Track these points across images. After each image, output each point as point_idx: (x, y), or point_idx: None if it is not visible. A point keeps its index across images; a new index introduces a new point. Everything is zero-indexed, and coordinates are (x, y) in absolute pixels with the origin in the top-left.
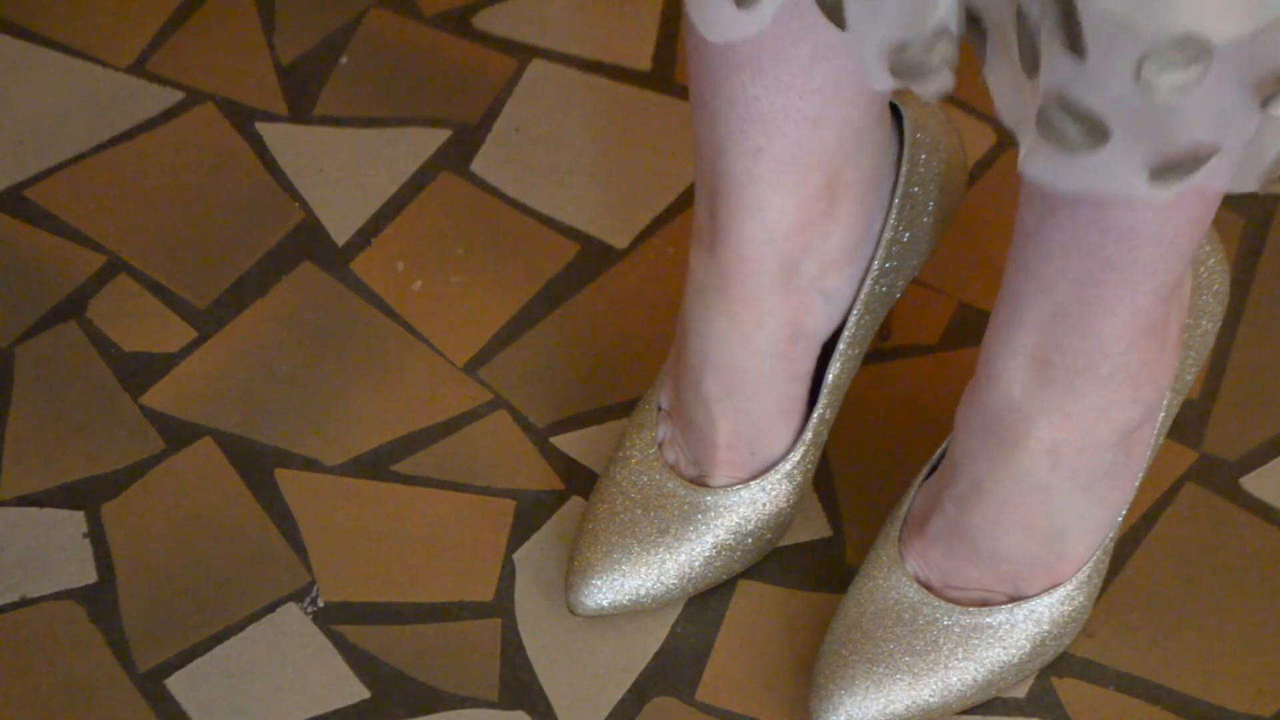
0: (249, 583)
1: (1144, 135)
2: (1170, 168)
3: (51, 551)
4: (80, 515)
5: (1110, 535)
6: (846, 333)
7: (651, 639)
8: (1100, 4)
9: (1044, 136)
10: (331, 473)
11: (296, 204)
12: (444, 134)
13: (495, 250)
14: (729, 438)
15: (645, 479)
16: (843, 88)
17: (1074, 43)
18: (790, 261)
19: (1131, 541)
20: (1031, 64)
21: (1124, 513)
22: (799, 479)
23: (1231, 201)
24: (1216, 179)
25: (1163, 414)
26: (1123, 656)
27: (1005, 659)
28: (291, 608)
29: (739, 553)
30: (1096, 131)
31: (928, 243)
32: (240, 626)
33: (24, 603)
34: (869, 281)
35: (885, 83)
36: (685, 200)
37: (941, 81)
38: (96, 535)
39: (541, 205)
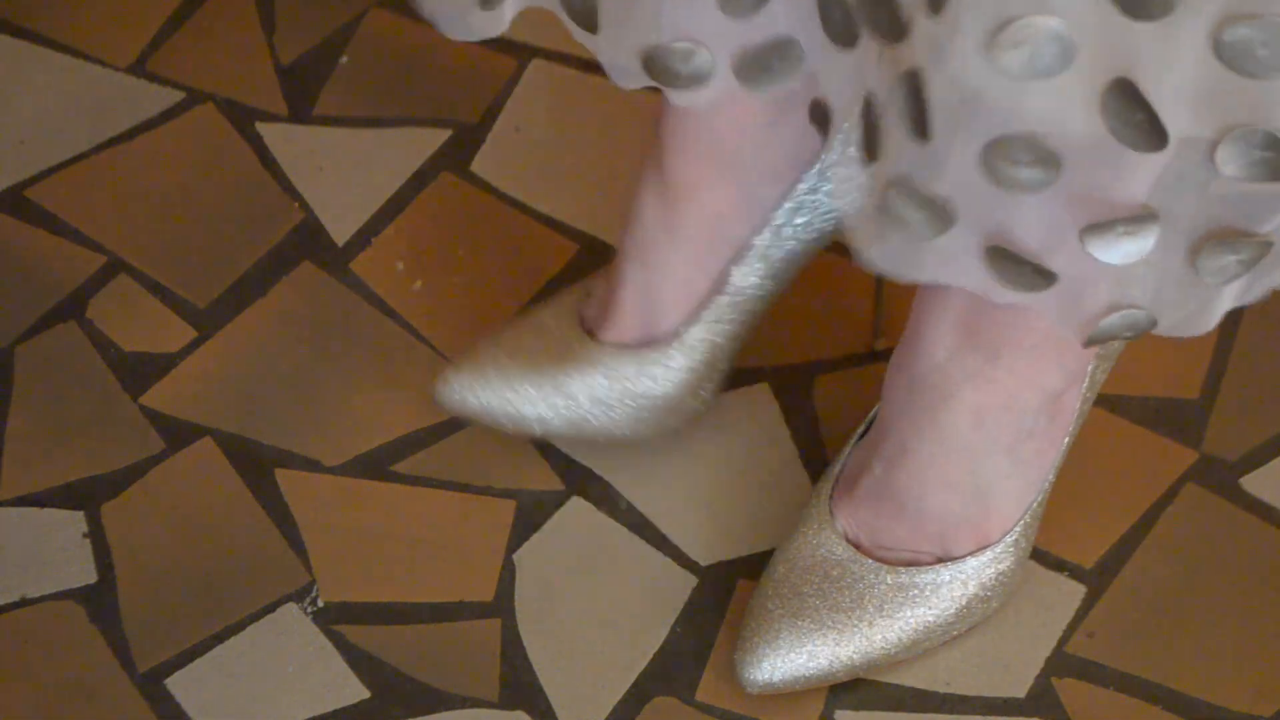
0: (249, 583)
1: (985, 222)
2: (1010, 271)
3: (51, 551)
4: (80, 515)
5: (1038, 499)
6: (758, 241)
7: (651, 639)
8: (946, 86)
9: (885, 223)
10: (331, 473)
11: (296, 204)
12: (444, 134)
13: (495, 250)
14: (628, 300)
15: (553, 315)
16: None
17: (919, 126)
18: (724, 160)
19: (1131, 541)
20: (871, 149)
21: (1051, 478)
22: (679, 365)
23: None
24: (1050, 311)
25: (1087, 381)
26: (1123, 656)
27: (931, 619)
28: (291, 608)
29: (592, 409)
30: (941, 216)
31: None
32: (240, 626)
33: (24, 603)
34: (797, 190)
35: (636, 80)
36: None
37: (695, 93)
38: (96, 535)
39: (541, 205)
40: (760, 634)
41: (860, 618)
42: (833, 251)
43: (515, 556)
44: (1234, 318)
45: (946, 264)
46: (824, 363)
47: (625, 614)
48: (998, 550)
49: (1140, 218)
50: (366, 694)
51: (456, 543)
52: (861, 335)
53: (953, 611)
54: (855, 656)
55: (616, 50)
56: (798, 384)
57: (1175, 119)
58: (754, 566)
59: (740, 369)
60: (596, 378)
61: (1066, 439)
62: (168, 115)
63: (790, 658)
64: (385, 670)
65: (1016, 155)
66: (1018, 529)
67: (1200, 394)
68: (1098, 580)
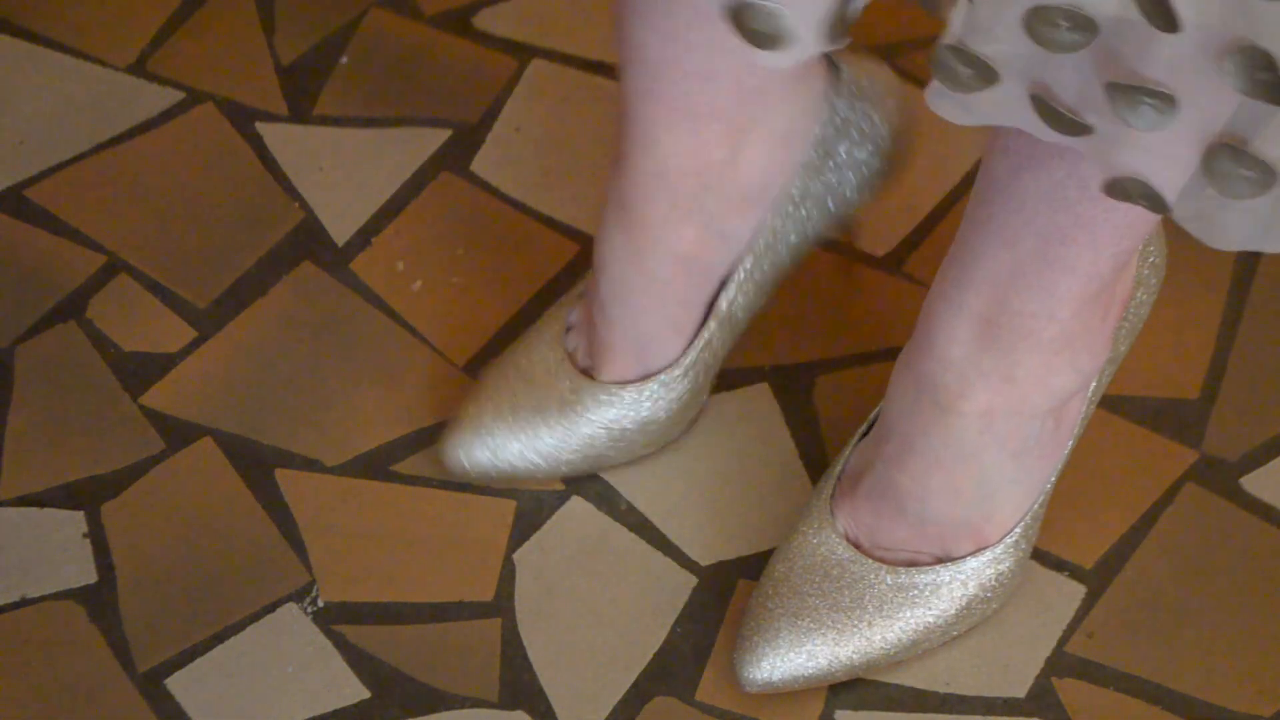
0: (249, 583)
1: (1027, 77)
2: (1052, 116)
3: (51, 551)
4: (80, 515)
5: (1039, 502)
6: (741, 270)
7: (651, 639)
8: None
9: (939, 77)
10: (331, 473)
11: (296, 204)
12: (444, 134)
13: (495, 250)
14: (619, 341)
15: (539, 359)
16: (731, 50)
17: None
18: (685, 196)
19: (1131, 541)
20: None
21: (1053, 480)
22: (681, 390)
23: None
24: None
25: (1094, 384)
26: (1123, 656)
27: (930, 620)
28: (291, 608)
29: (609, 447)
30: (986, 74)
31: (855, 196)
32: (240, 626)
33: (24, 603)
34: (771, 221)
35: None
36: None
37: (782, 53)
38: (96, 535)
39: (541, 205)
40: (760, 633)
41: (860, 618)
42: (833, 251)
43: (515, 556)
44: (1234, 317)
45: (997, 109)
46: (824, 363)
47: (625, 614)
48: (997, 551)
49: (1164, 94)
50: (366, 694)
51: (456, 543)
52: (861, 335)
53: (952, 612)
54: (854, 656)
55: None
56: (798, 384)
57: (1187, 6)
58: (754, 566)
59: (740, 369)
60: (608, 414)
61: (1070, 442)
62: (168, 115)
63: (789, 657)
64: (385, 670)
65: (1056, 20)
66: (1018, 530)
67: (1200, 394)
68: (1098, 580)
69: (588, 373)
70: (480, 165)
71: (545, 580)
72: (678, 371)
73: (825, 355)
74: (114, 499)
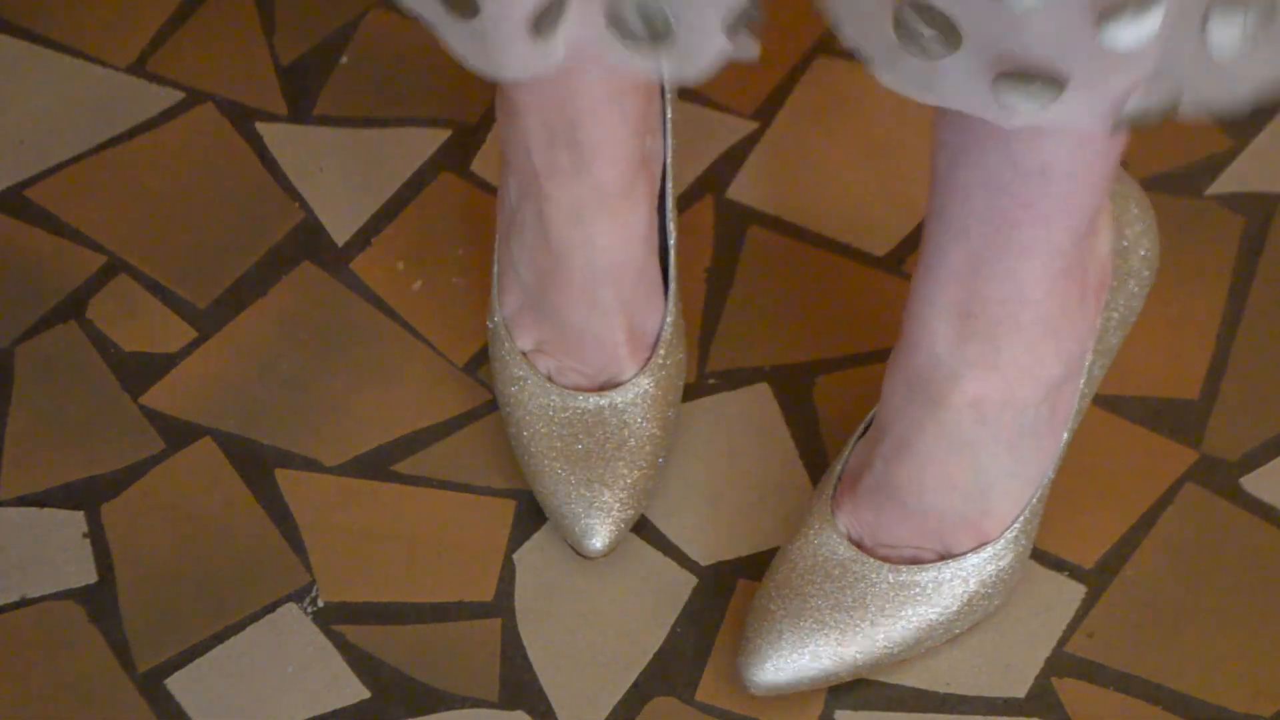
0: (249, 583)
1: (993, 43)
2: (1020, 87)
3: (51, 551)
4: (80, 515)
5: (1037, 496)
6: (669, 181)
7: (651, 639)
8: None
9: (901, 41)
10: (331, 473)
11: (296, 204)
12: (444, 134)
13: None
14: (628, 331)
15: (550, 401)
16: None
17: None
18: (642, 140)
19: (1131, 542)
20: None
21: (1050, 475)
22: (682, 325)
23: (1232, 202)
24: (1070, 115)
25: (1086, 375)
26: (1123, 656)
27: (933, 617)
28: (291, 608)
29: (673, 411)
30: (950, 34)
31: None
32: (240, 626)
33: (24, 603)
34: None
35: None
36: (685, 199)
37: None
38: (96, 535)
39: None
40: (763, 635)
41: (863, 617)
42: (832, 252)
43: (515, 556)
44: (1234, 317)
45: (957, 90)
46: (824, 363)
47: (625, 614)
48: (998, 547)
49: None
50: (366, 694)
51: (456, 543)
52: (862, 335)
53: (955, 609)
54: (859, 656)
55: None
56: (798, 384)
57: None
58: (754, 566)
59: (740, 369)
60: (655, 410)
61: (1065, 435)
62: (168, 115)
63: (793, 658)
64: (385, 670)
65: None
66: (1017, 525)
67: (1200, 394)
68: (1098, 580)
69: (609, 385)
70: (480, 165)
71: (545, 580)
72: (670, 316)
73: (825, 355)
74: (114, 499)
